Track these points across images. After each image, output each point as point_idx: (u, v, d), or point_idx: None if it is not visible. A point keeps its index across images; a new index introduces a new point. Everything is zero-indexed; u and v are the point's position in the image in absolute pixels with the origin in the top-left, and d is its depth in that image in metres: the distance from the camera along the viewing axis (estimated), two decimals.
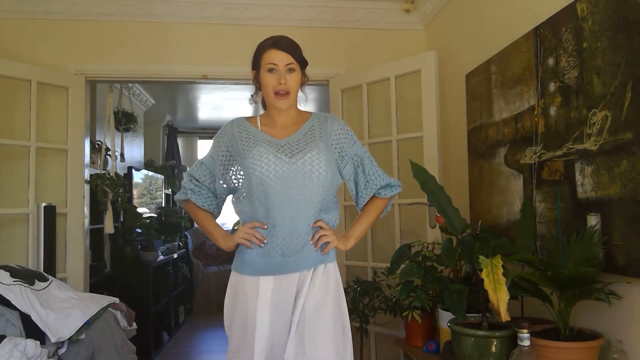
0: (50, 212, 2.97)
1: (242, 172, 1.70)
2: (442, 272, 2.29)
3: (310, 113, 1.82)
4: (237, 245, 1.76)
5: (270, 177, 1.64)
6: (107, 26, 3.28)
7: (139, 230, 4.74)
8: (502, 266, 1.68)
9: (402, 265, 2.27)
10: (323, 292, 1.69)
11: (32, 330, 2.26)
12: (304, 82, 1.80)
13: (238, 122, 1.79)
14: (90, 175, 3.48)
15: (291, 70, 1.70)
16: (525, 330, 1.56)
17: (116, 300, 2.77)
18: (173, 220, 5.79)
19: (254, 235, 1.68)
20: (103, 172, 3.86)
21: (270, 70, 1.69)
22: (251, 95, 1.85)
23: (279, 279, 1.69)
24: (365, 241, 3.21)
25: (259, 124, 1.78)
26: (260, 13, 3.33)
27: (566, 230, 1.82)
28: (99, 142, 4.17)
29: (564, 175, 1.88)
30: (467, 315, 1.93)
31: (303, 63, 1.76)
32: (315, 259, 1.71)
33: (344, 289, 2.94)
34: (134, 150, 5.32)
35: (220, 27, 3.36)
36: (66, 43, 3.24)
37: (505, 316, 1.59)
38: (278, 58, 1.68)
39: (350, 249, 3.35)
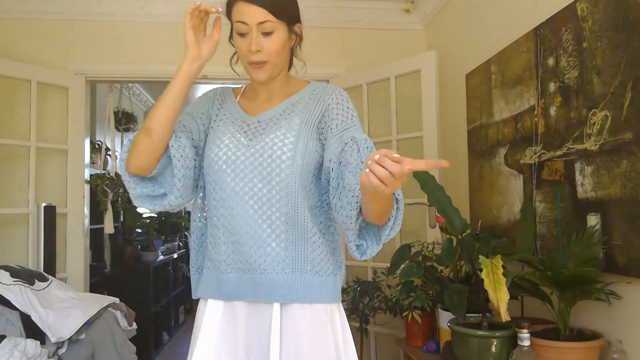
0: (50, 212, 2.97)
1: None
2: (442, 272, 2.29)
3: (307, 83, 1.39)
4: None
5: (220, 164, 1.25)
6: (107, 26, 3.27)
7: (139, 230, 4.74)
8: (502, 266, 1.68)
9: (402, 265, 2.26)
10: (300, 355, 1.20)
11: (32, 330, 2.26)
12: (296, 43, 1.35)
13: (222, 90, 1.44)
14: (90, 175, 3.49)
15: (267, 31, 1.24)
16: (525, 330, 1.56)
17: (116, 300, 2.77)
18: (173, 220, 5.80)
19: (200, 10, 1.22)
20: (103, 172, 3.87)
21: (241, 31, 1.25)
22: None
23: (231, 308, 1.27)
24: None
25: (240, 94, 1.41)
26: None
27: (566, 230, 1.82)
28: (99, 142, 4.17)
29: (564, 175, 1.88)
30: (467, 315, 1.93)
31: (290, 18, 1.30)
32: (291, 289, 1.23)
33: (344, 289, 2.99)
34: None
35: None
36: (66, 43, 3.24)
37: (505, 316, 1.59)
38: (247, 14, 1.22)
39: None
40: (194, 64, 1.23)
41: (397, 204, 1.16)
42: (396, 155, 0.91)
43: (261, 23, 1.22)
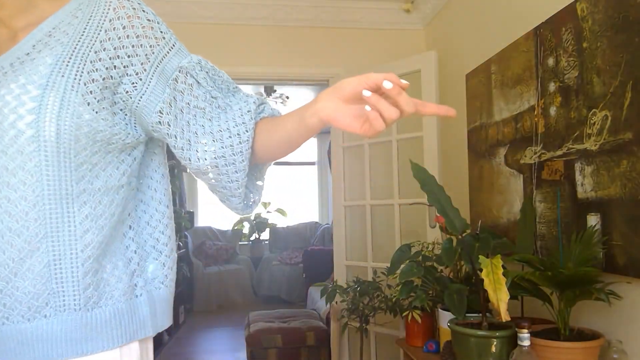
0: None
1: None
2: (442, 272, 2.29)
3: None
4: None
5: None
6: None
7: None
8: (502, 266, 1.68)
9: (402, 265, 2.26)
10: None
11: None
12: None
13: None
14: None
15: None
16: (525, 330, 1.56)
17: None
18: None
19: None
20: None
21: None
22: None
23: None
24: (365, 241, 3.21)
25: None
26: (259, 13, 3.34)
27: (566, 230, 1.82)
28: None
29: (564, 175, 1.88)
30: (467, 315, 1.93)
31: None
32: (54, 341, 0.79)
33: (344, 289, 2.99)
34: None
35: (220, 27, 3.36)
36: None
37: (505, 316, 1.59)
38: None
39: (350, 249, 3.39)
40: None
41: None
42: (404, 81, 0.70)
43: None
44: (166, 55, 0.85)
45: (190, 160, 0.86)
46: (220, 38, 3.37)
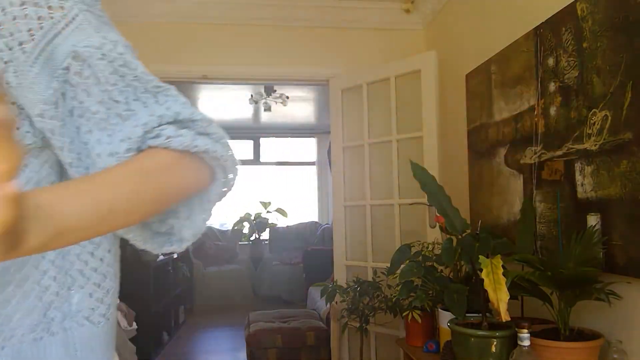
0: None
1: None
2: (442, 272, 2.29)
3: None
4: None
5: None
6: None
7: None
8: (502, 266, 1.68)
9: (402, 265, 2.27)
10: None
11: None
12: None
13: None
14: None
15: None
16: (525, 330, 1.56)
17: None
18: None
19: None
20: None
21: None
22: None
23: None
24: (365, 241, 3.21)
25: None
26: (260, 13, 3.34)
27: (566, 230, 1.82)
28: None
29: (564, 175, 1.88)
30: (467, 315, 1.93)
31: None
32: None
33: (344, 289, 2.99)
34: None
35: (220, 27, 3.36)
36: None
37: (505, 316, 1.59)
38: None
39: (350, 249, 3.39)
40: None
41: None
42: None
43: None
44: (60, 33, 0.59)
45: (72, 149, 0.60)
46: (220, 38, 3.37)
